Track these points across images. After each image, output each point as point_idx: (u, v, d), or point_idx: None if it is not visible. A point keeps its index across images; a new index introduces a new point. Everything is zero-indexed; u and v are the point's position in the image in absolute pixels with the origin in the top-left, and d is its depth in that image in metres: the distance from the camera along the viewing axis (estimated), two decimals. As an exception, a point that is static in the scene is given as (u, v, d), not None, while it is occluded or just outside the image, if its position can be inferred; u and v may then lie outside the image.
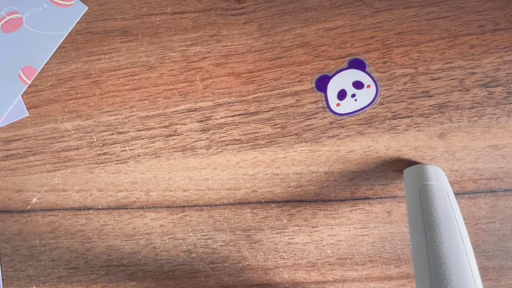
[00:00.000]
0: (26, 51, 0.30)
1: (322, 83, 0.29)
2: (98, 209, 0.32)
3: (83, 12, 0.29)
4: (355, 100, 0.29)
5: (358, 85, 0.29)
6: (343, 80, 0.29)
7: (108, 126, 0.31)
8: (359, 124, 0.30)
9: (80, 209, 0.32)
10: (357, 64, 0.29)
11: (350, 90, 0.29)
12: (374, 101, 0.29)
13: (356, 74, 0.29)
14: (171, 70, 0.30)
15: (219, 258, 0.33)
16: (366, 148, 0.30)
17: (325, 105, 0.29)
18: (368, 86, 0.29)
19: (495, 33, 0.28)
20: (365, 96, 0.29)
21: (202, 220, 0.32)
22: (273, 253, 0.33)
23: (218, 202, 0.32)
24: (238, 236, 0.32)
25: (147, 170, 0.31)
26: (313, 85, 0.29)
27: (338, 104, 0.29)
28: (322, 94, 0.29)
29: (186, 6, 0.29)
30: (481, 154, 0.30)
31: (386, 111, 0.29)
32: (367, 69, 0.29)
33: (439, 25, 0.28)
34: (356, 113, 0.29)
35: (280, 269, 0.33)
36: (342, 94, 0.29)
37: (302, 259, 0.33)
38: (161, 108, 0.30)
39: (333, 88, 0.29)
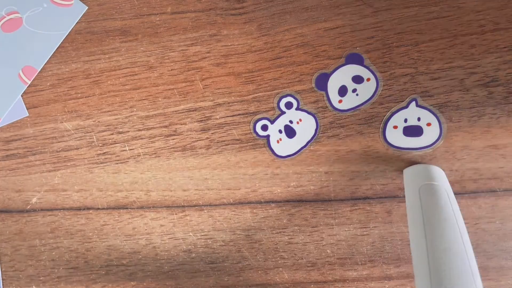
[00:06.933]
0: (26, 51, 0.30)
1: (322, 82, 0.29)
2: (98, 209, 0.32)
3: (83, 12, 0.29)
4: (357, 95, 0.29)
5: (358, 79, 0.29)
6: (342, 76, 0.29)
7: (108, 126, 0.31)
8: (359, 124, 0.30)
9: (80, 209, 0.32)
10: (355, 58, 0.29)
11: (351, 85, 0.29)
12: (376, 94, 0.29)
13: (354, 69, 0.29)
14: (171, 70, 0.30)
15: (219, 258, 0.33)
16: (366, 148, 0.30)
17: (327, 104, 0.29)
18: (368, 80, 0.29)
19: (495, 33, 0.28)
20: (366, 89, 0.29)
21: (202, 220, 0.32)
22: (273, 253, 0.33)
23: (218, 202, 0.32)
24: (238, 236, 0.32)
25: (147, 170, 0.31)
26: (313, 84, 0.29)
27: (340, 101, 0.29)
28: (323, 92, 0.29)
29: (186, 6, 0.29)
30: (481, 154, 0.30)
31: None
32: (365, 62, 0.29)
33: (439, 25, 0.28)
34: (359, 107, 0.29)
35: (280, 269, 0.33)
36: (343, 91, 0.29)
37: (302, 259, 0.33)
38: (161, 108, 0.30)
39: (333, 86, 0.29)
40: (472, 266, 0.22)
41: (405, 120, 0.29)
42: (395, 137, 0.29)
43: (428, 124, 0.29)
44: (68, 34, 0.29)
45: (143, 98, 0.30)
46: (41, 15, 0.29)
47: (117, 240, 0.33)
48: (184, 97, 0.30)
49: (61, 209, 0.32)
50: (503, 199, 0.30)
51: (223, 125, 0.30)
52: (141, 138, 0.31)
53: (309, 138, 0.30)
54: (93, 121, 0.31)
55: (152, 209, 0.32)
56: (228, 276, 0.33)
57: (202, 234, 0.32)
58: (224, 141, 0.30)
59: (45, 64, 0.30)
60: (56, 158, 0.31)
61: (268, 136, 0.30)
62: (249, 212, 0.32)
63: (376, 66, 0.29)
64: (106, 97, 0.30)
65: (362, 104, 0.29)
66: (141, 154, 0.31)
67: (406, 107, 0.29)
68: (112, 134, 0.31)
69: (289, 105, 0.30)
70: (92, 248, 0.33)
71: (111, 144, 0.31)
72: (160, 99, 0.30)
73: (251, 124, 0.30)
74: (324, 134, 0.30)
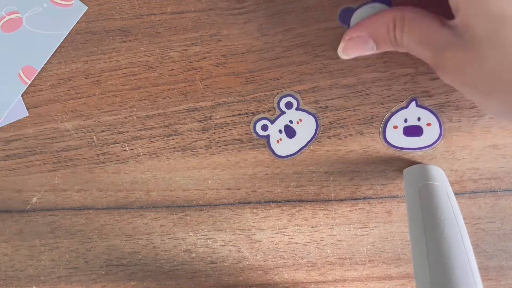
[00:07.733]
0: (26, 51, 0.30)
1: (346, 16, 0.28)
2: (98, 209, 0.32)
3: (83, 12, 0.29)
4: None
5: None
6: (366, 15, 0.27)
7: (108, 126, 0.31)
8: (359, 124, 0.30)
9: (80, 209, 0.32)
10: None
11: None
12: None
13: (379, 9, 0.27)
14: (171, 70, 0.30)
15: (219, 258, 0.33)
16: (366, 148, 0.30)
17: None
18: None
19: (495, 33, 0.28)
20: None
21: (202, 220, 0.32)
22: (273, 253, 0.33)
23: (218, 202, 0.32)
24: (238, 236, 0.32)
25: (147, 170, 0.31)
26: (337, 17, 0.28)
27: None
28: (346, 26, 0.28)
29: (186, 6, 0.29)
30: (481, 154, 0.30)
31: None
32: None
33: (439, 25, 0.28)
34: None
35: (280, 269, 0.33)
36: None
37: (302, 259, 0.33)
38: (161, 108, 0.30)
39: (356, 21, 0.28)
40: (472, 266, 0.22)
41: (405, 120, 0.29)
42: (395, 137, 0.29)
43: (428, 124, 0.29)
44: (68, 34, 0.29)
45: (143, 98, 0.30)
46: (41, 15, 0.29)
47: (117, 240, 0.33)
48: (184, 97, 0.30)
49: (61, 209, 0.32)
50: (503, 199, 0.30)
51: (223, 125, 0.30)
52: (141, 138, 0.31)
53: (309, 138, 0.30)
54: (93, 121, 0.31)
55: (152, 209, 0.32)
56: (228, 276, 0.33)
57: (202, 234, 0.32)
58: (224, 141, 0.30)
59: (45, 64, 0.30)
60: (56, 158, 0.31)
61: (268, 136, 0.30)
62: (249, 212, 0.32)
63: (376, 66, 0.29)
64: (106, 97, 0.30)
65: None
66: (141, 154, 0.31)
67: (406, 107, 0.29)
68: (112, 134, 0.31)
69: (289, 105, 0.30)
70: (92, 248, 0.33)
71: (111, 144, 0.31)
72: (160, 99, 0.30)
73: (251, 124, 0.30)
74: (324, 134, 0.30)
